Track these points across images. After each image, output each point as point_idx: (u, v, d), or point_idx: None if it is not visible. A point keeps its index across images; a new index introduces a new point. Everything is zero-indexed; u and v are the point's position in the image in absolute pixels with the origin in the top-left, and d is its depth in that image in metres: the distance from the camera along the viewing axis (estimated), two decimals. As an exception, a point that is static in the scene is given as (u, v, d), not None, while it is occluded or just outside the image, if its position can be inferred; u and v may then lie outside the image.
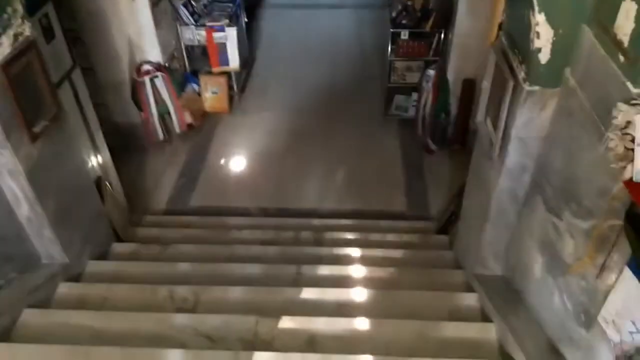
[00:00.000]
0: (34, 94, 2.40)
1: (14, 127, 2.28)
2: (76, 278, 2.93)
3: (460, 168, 4.68)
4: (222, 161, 4.84)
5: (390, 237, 3.70)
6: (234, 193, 4.50)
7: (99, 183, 3.47)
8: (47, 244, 2.73)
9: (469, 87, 4.72)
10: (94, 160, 3.47)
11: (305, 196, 4.45)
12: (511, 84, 2.19)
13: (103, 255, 3.29)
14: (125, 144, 4.77)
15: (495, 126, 2.43)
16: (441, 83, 4.77)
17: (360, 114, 5.47)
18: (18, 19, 2.20)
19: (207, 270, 3.02)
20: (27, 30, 2.26)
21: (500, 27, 2.63)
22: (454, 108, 4.88)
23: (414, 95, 5.19)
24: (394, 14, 4.96)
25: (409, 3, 4.94)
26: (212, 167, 4.77)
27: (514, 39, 2.24)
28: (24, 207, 2.53)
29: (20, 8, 2.20)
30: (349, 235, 3.70)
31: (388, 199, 4.45)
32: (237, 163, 4.82)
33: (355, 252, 3.38)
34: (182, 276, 2.95)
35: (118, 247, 3.38)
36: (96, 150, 3.51)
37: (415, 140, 5.08)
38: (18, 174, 2.40)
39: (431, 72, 4.78)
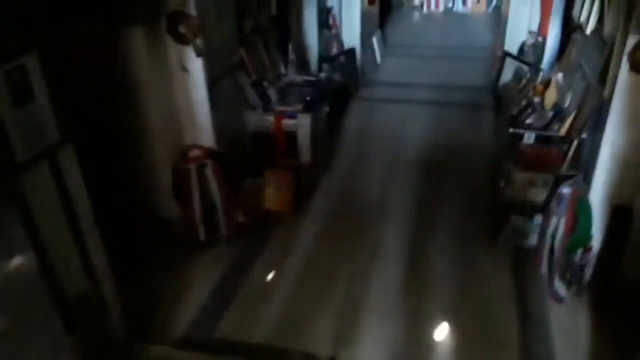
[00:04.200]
0: None
1: None
2: None
3: (607, 332, 3.18)
4: (269, 278, 3.72)
5: None
6: (275, 326, 3.29)
7: (77, 303, 2.47)
8: None
9: (623, 217, 3.29)
10: (76, 271, 2.50)
11: (369, 348, 3.13)
12: None
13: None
14: (158, 243, 3.85)
15: None
16: (580, 207, 3.39)
17: (460, 235, 4.16)
18: None
19: None
20: None
21: None
22: (596, 242, 3.44)
23: (538, 219, 3.82)
24: (515, 111, 3.78)
25: (537, 99, 3.75)
26: (255, 284, 3.65)
27: None
28: None
29: None
30: None
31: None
32: (287, 283, 3.66)
33: None
34: None
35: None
36: (84, 256, 2.55)
37: (537, 281, 3.64)
38: None
39: (566, 190, 3.44)
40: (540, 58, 5.92)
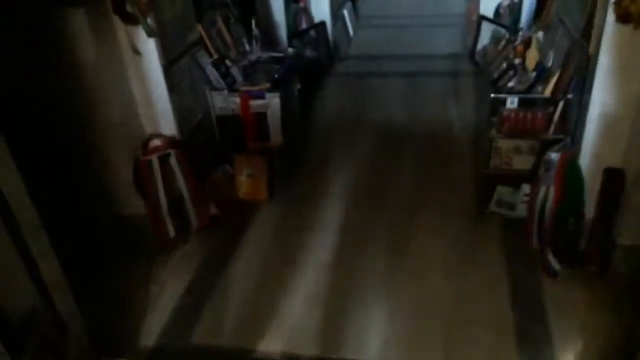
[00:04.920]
0: None
1: None
2: None
3: (606, 304, 3.01)
4: (247, 274, 3.46)
5: None
6: (257, 326, 3.05)
7: (24, 322, 2.20)
8: None
9: (615, 180, 3.10)
10: (20, 285, 2.22)
11: (360, 339, 2.91)
12: None
13: None
14: (122, 244, 3.58)
15: None
16: (570, 173, 3.19)
17: (444, 209, 3.94)
18: None
19: None
20: None
21: None
22: (589, 210, 3.25)
23: (525, 188, 3.63)
24: (495, 75, 3.54)
25: (518, 61, 3.51)
26: (232, 282, 3.40)
27: None
28: None
29: None
30: None
31: (490, 353, 2.81)
32: (266, 279, 3.41)
33: None
34: None
35: None
36: (30, 266, 2.27)
37: (528, 254, 3.46)
38: None
39: (554, 156, 3.24)
40: (517, 18, 5.66)
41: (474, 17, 6.74)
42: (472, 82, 6.09)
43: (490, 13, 6.32)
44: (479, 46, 6.26)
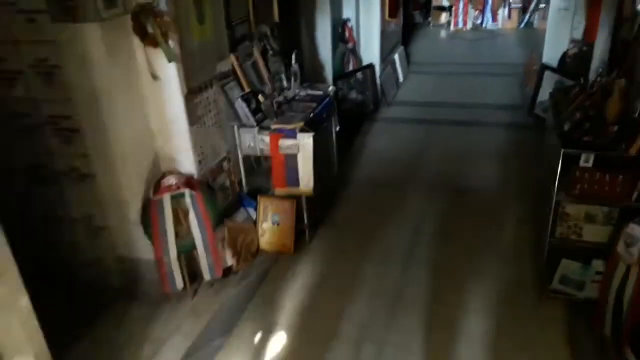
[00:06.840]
0: None
1: None
2: None
3: None
4: (258, 339, 2.96)
5: None
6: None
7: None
8: None
9: None
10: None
11: None
12: None
13: None
14: (124, 292, 3.19)
15: None
16: (660, 252, 2.57)
17: (497, 283, 3.33)
18: None
19: None
20: None
21: None
22: (683, 300, 2.60)
23: (598, 265, 3.00)
24: (566, 127, 3.00)
25: (594, 112, 2.96)
26: (239, 347, 2.90)
27: None
28: None
29: None
30: None
31: None
32: (280, 347, 2.90)
33: None
34: None
35: None
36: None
37: (599, 345, 2.80)
38: None
39: (637, 229, 2.63)
40: (586, 68, 5.11)
41: (535, 67, 6.25)
42: (531, 135, 5.53)
43: (554, 62, 5.81)
44: (540, 98, 5.74)
